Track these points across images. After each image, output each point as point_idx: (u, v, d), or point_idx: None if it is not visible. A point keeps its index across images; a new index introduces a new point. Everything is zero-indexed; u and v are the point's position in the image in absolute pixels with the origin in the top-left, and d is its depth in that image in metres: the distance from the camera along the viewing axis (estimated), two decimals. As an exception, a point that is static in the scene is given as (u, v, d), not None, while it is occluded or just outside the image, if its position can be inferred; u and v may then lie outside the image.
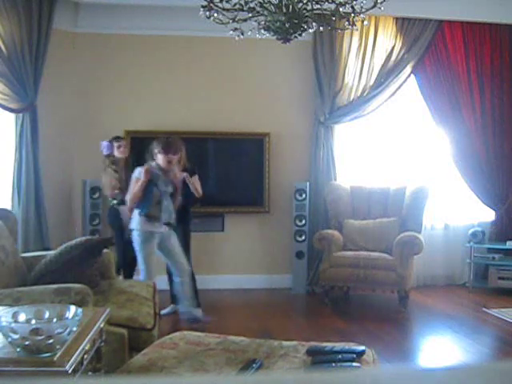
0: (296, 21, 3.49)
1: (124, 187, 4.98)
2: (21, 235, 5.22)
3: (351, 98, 6.10)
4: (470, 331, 4.67)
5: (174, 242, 4.59)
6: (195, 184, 4.87)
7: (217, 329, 4.40)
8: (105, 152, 5.03)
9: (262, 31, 3.64)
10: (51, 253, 3.59)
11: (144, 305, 3.49)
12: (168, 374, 2.26)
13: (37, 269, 3.45)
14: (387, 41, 6.10)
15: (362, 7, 3.53)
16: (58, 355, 2.02)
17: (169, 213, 4.46)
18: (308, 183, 5.99)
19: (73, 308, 2.20)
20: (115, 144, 5.04)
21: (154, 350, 2.57)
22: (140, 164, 4.54)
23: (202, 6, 3.56)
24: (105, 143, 5.04)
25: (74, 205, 5.95)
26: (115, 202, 5.03)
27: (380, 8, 3.51)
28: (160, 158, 4.43)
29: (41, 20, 5.36)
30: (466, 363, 3.69)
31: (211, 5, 3.52)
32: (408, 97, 6.26)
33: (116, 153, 5.04)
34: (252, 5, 3.53)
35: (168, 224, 4.48)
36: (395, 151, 6.27)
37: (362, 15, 3.57)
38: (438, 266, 6.37)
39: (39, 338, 1.98)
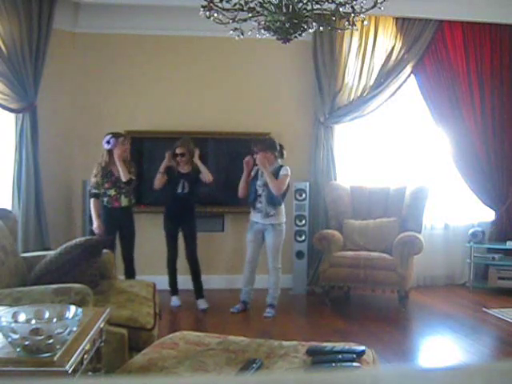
0: (296, 21, 3.49)
1: (116, 184, 4.99)
2: (21, 235, 5.22)
3: (351, 98, 6.10)
4: (470, 331, 4.67)
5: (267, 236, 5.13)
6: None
7: (217, 329, 4.40)
8: (106, 146, 4.99)
9: (262, 31, 3.64)
10: (51, 253, 3.59)
11: (144, 305, 3.49)
12: (168, 374, 2.26)
13: (37, 269, 3.45)
14: (387, 41, 6.10)
15: (362, 7, 3.53)
16: (58, 355, 2.02)
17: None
18: (308, 183, 5.99)
19: (73, 308, 2.20)
20: (120, 141, 5.02)
21: (154, 350, 2.57)
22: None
23: (202, 6, 3.55)
24: (109, 138, 5.00)
25: (74, 205, 5.95)
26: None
27: (380, 8, 3.51)
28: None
29: (41, 20, 5.36)
30: (465, 363, 3.69)
31: (211, 5, 3.52)
32: (408, 97, 6.26)
33: (119, 151, 4.97)
34: (252, 5, 3.53)
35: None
36: (395, 151, 6.27)
37: (362, 15, 3.56)
38: (438, 266, 6.36)
39: (39, 337, 1.98)
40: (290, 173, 5.10)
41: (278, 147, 5.18)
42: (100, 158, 5.02)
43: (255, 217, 5.14)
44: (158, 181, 5.23)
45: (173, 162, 5.25)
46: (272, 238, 5.09)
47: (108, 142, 4.97)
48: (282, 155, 5.22)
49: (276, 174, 5.07)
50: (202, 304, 5.32)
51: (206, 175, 5.19)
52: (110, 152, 4.99)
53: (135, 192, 5.22)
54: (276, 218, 5.09)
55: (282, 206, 5.15)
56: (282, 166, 5.14)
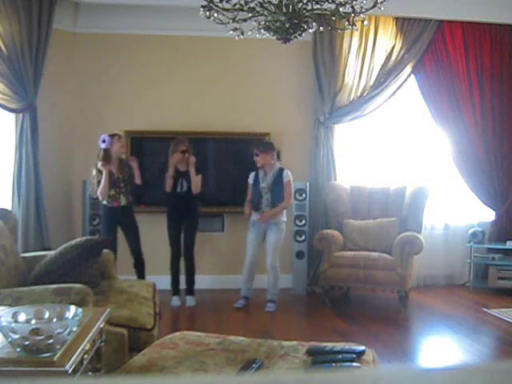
0: (296, 21, 3.49)
1: (116, 184, 5.01)
2: (21, 235, 5.23)
3: (351, 98, 6.10)
4: (470, 331, 4.66)
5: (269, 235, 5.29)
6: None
7: (217, 329, 4.40)
8: (103, 146, 5.01)
9: (262, 31, 3.64)
10: (51, 253, 3.59)
11: (144, 305, 3.49)
12: (168, 374, 2.26)
13: (37, 269, 3.45)
14: (387, 41, 6.10)
15: (362, 7, 3.53)
16: (57, 355, 2.01)
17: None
18: (308, 183, 5.99)
19: (73, 308, 2.20)
20: (116, 138, 5.05)
21: (154, 350, 2.57)
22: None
23: (202, 6, 3.55)
24: (105, 137, 5.02)
25: (74, 205, 5.95)
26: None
27: (380, 8, 3.51)
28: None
29: (41, 20, 5.36)
30: (465, 363, 3.69)
31: (211, 5, 3.52)
32: (408, 97, 6.26)
33: (116, 147, 5.04)
34: (252, 5, 3.53)
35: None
36: (395, 151, 6.27)
37: (362, 15, 3.56)
38: (438, 266, 6.36)
39: (39, 338, 1.98)
40: (291, 176, 5.32)
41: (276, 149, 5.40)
42: (96, 159, 5.04)
43: (258, 217, 5.28)
44: (169, 184, 5.27)
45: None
46: (274, 235, 5.28)
47: (104, 141, 5.00)
48: (278, 157, 5.42)
49: (278, 178, 5.25)
50: (190, 301, 5.38)
51: (198, 184, 5.26)
52: (106, 151, 5.01)
53: (133, 192, 5.23)
54: (279, 217, 5.28)
55: None
56: (282, 169, 5.33)
